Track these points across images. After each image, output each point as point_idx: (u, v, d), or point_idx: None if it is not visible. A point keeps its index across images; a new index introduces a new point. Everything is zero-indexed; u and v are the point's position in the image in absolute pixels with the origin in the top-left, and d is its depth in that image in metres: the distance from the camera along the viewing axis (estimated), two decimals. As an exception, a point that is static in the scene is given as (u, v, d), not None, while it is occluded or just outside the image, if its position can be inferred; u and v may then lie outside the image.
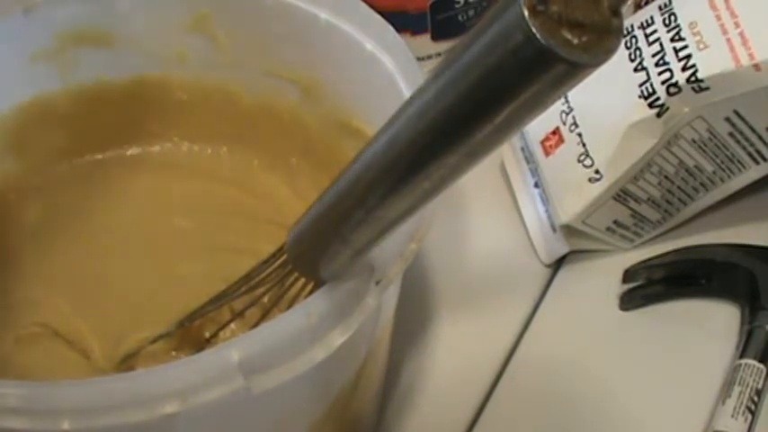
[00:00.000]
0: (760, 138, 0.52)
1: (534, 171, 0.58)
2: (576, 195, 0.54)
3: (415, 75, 0.44)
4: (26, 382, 0.33)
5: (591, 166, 0.53)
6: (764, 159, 0.53)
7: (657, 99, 0.50)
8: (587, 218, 0.55)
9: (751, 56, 0.48)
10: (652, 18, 0.52)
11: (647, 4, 0.56)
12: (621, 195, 0.54)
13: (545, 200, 0.57)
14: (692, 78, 0.49)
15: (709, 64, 0.49)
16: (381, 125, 0.29)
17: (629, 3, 0.61)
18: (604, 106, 0.53)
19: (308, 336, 0.34)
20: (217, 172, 0.55)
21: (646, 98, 0.51)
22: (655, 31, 0.52)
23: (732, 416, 0.48)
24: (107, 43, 0.52)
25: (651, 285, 0.56)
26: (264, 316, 0.43)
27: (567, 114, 0.55)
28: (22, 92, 0.52)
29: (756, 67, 0.48)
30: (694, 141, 0.52)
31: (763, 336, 0.51)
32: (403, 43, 0.45)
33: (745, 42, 0.48)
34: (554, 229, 0.57)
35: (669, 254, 0.56)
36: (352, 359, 0.41)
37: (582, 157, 0.54)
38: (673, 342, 0.54)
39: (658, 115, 0.50)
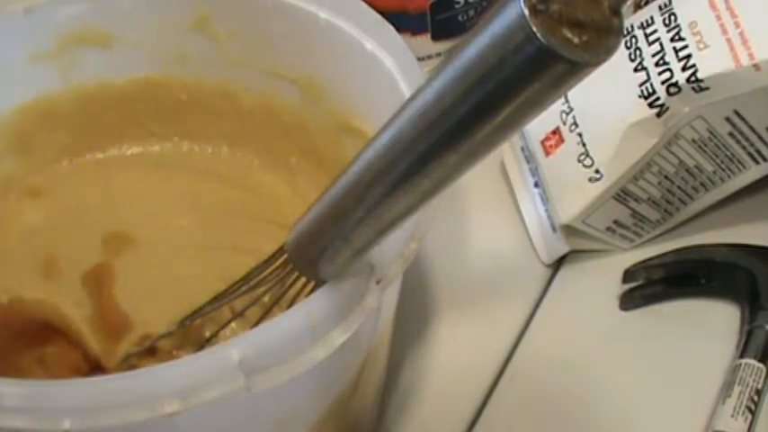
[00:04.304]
0: (760, 138, 0.52)
1: (534, 171, 0.58)
2: (577, 195, 0.54)
3: (416, 75, 0.44)
4: (27, 382, 0.33)
5: (591, 165, 0.53)
6: (764, 159, 0.53)
7: (657, 99, 0.50)
8: (587, 218, 0.55)
9: (751, 56, 0.48)
10: (652, 18, 0.52)
11: (647, 3, 0.56)
12: (621, 195, 0.54)
13: (545, 200, 0.57)
14: (692, 78, 0.49)
15: (709, 64, 0.49)
16: (381, 125, 0.29)
17: (629, 2, 0.61)
18: (604, 106, 0.53)
19: (308, 335, 0.34)
20: (217, 172, 0.55)
21: (646, 98, 0.51)
22: (655, 31, 0.52)
23: (732, 416, 0.48)
24: (107, 43, 0.52)
25: (651, 285, 0.56)
26: (265, 315, 0.43)
27: (568, 114, 0.55)
28: (23, 92, 0.52)
29: (756, 67, 0.48)
30: (694, 141, 0.52)
31: (763, 336, 0.51)
32: (403, 43, 0.46)
33: (745, 42, 0.48)
34: (554, 229, 0.57)
35: (669, 254, 0.56)
36: (353, 359, 0.41)
37: (582, 157, 0.54)
38: (673, 342, 0.54)
39: (658, 115, 0.50)
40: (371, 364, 0.44)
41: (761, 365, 0.50)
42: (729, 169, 0.54)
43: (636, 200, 0.55)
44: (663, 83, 0.50)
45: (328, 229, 0.33)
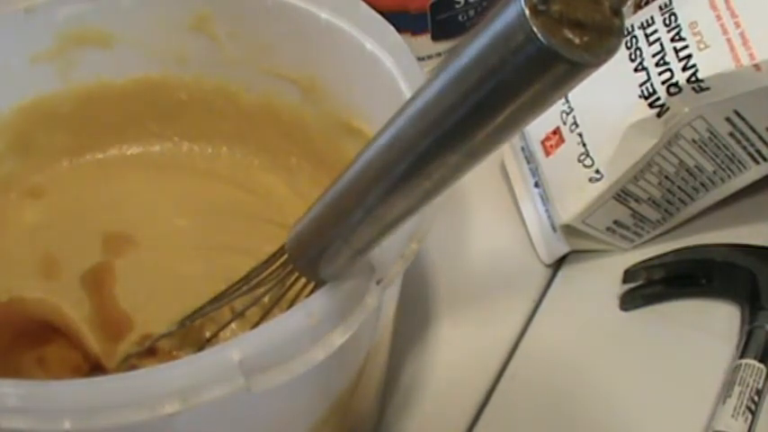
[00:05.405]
0: (760, 138, 0.52)
1: (534, 171, 0.58)
2: (577, 195, 0.54)
3: (416, 75, 0.44)
4: (27, 382, 0.33)
5: (591, 165, 0.53)
6: (764, 159, 0.53)
7: (658, 99, 0.50)
8: (588, 218, 0.55)
9: (751, 56, 0.48)
10: (652, 18, 0.52)
11: (647, 4, 0.56)
12: (622, 195, 0.54)
13: (545, 200, 0.57)
14: (693, 78, 0.49)
15: (709, 64, 0.49)
16: (381, 125, 0.29)
17: (629, 3, 0.61)
18: (605, 106, 0.53)
19: (308, 336, 0.34)
20: (217, 172, 0.55)
21: (646, 98, 0.51)
22: (655, 31, 0.52)
23: (732, 416, 0.48)
24: (107, 43, 0.52)
25: (651, 285, 0.56)
26: (265, 316, 0.43)
27: (568, 114, 0.55)
28: (23, 92, 0.52)
29: (757, 67, 0.48)
30: (694, 141, 0.52)
31: (763, 336, 0.51)
32: (403, 43, 0.45)
33: (745, 42, 0.48)
34: (554, 229, 0.57)
35: (669, 254, 0.56)
36: (353, 359, 0.41)
37: (582, 157, 0.54)
38: (673, 342, 0.54)
39: (659, 115, 0.50)
40: (372, 364, 0.44)
41: (761, 366, 0.50)
42: (729, 169, 0.54)
43: (636, 200, 0.55)
44: (663, 83, 0.50)
45: (328, 230, 0.33)
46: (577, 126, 0.54)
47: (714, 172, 0.54)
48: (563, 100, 0.55)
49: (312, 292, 0.37)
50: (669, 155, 0.53)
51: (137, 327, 0.48)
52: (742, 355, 0.51)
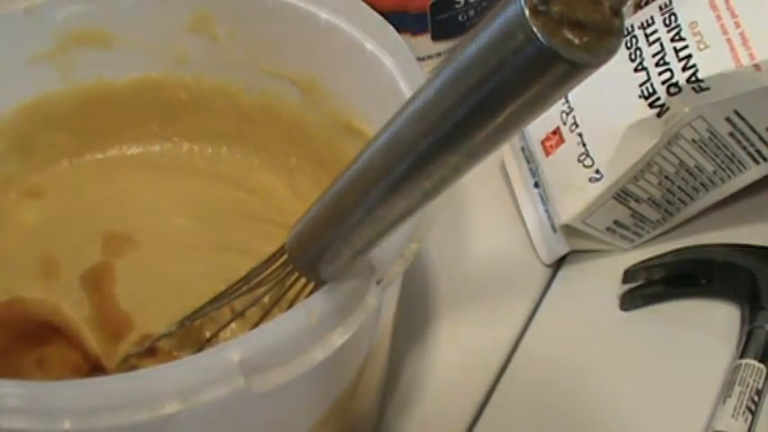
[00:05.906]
0: (760, 138, 0.52)
1: (534, 171, 0.58)
2: (577, 195, 0.54)
3: (416, 75, 0.44)
4: (27, 382, 0.33)
5: (591, 165, 0.53)
6: (764, 159, 0.53)
7: (658, 99, 0.50)
8: (587, 218, 0.55)
9: (751, 56, 0.48)
10: (652, 18, 0.52)
11: (647, 4, 0.56)
12: (622, 195, 0.54)
13: (545, 200, 0.57)
14: (693, 78, 0.49)
15: (709, 64, 0.49)
16: (381, 125, 0.29)
17: (629, 3, 0.61)
18: (605, 106, 0.53)
19: (308, 336, 0.34)
20: (217, 172, 0.55)
21: (646, 98, 0.51)
22: (655, 31, 0.52)
23: (732, 416, 0.48)
24: (107, 43, 0.52)
25: (651, 285, 0.56)
26: (265, 316, 0.43)
27: (568, 114, 0.55)
28: (23, 92, 0.52)
29: (757, 66, 0.48)
30: (694, 141, 0.52)
31: (763, 336, 0.51)
32: (403, 43, 0.45)
33: (745, 42, 0.48)
34: (554, 229, 0.57)
35: (669, 254, 0.56)
36: (353, 359, 0.41)
37: (582, 157, 0.54)
38: (673, 342, 0.54)
39: (659, 115, 0.50)
40: (372, 364, 0.44)
41: (761, 366, 0.50)
42: (729, 169, 0.54)
43: (636, 200, 0.55)
44: (663, 83, 0.50)
45: (328, 230, 0.33)
46: (577, 126, 0.54)
47: (714, 172, 0.54)
48: (563, 100, 0.55)
49: (312, 292, 0.37)
50: (669, 155, 0.53)
51: (137, 327, 0.48)
52: (742, 355, 0.51)
